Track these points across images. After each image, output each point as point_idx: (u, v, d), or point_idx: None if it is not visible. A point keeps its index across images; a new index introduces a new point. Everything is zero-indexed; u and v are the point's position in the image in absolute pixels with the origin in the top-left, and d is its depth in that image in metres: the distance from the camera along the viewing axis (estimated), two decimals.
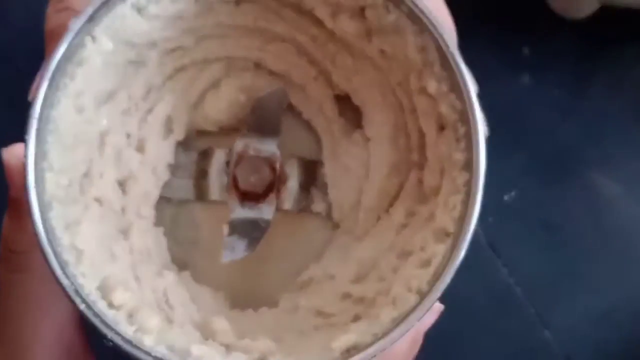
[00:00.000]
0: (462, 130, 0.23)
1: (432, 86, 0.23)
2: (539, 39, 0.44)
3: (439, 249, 0.22)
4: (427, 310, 0.21)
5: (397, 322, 0.21)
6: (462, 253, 0.21)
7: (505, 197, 0.42)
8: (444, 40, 0.22)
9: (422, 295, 0.21)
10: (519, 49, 0.45)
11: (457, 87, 0.22)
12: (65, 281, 0.20)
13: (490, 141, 0.48)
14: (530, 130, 0.43)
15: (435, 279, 0.21)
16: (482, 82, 0.49)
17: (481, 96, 0.49)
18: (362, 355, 0.21)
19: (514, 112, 0.44)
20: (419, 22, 0.22)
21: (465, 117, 0.22)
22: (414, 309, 0.21)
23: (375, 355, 0.21)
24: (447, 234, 0.22)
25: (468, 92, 0.22)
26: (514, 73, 0.45)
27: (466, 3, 0.47)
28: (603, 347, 0.40)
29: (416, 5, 0.22)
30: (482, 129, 0.22)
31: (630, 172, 0.43)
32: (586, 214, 0.42)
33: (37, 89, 0.21)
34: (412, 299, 0.22)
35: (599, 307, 0.41)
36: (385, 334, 0.21)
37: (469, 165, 0.22)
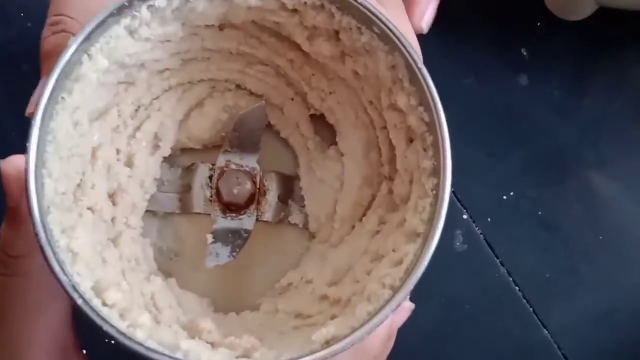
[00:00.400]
0: (429, 139, 0.25)
1: (401, 101, 0.25)
2: (537, 40, 0.45)
3: (410, 248, 0.24)
4: (400, 303, 0.22)
5: (373, 314, 0.23)
6: (431, 250, 0.23)
7: (504, 197, 0.42)
8: (412, 58, 0.24)
9: (395, 290, 0.23)
10: (518, 50, 0.45)
11: (425, 100, 0.24)
12: (63, 277, 0.22)
13: (488, 141, 0.48)
14: (529, 130, 0.43)
15: (407, 275, 0.23)
16: (481, 83, 0.49)
17: (480, 97, 0.49)
18: (341, 344, 0.22)
19: (512, 112, 0.44)
20: (390, 42, 0.24)
21: (433, 127, 0.24)
22: (387, 302, 0.23)
23: (353, 344, 0.22)
24: (418, 234, 0.24)
25: (435, 103, 0.24)
26: (513, 74, 0.45)
27: (465, 4, 0.47)
28: (602, 346, 0.40)
29: (387, 27, 0.24)
30: (447, 136, 0.24)
31: (628, 172, 0.43)
32: (585, 214, 0.42)
33: (38, 101, 0.22)
34: (386, 294, 0.23)
35: (597, 306, 0.41)
36: (361, 325, 0.22)
37: (437, 171, 0.24)
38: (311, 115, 0.30)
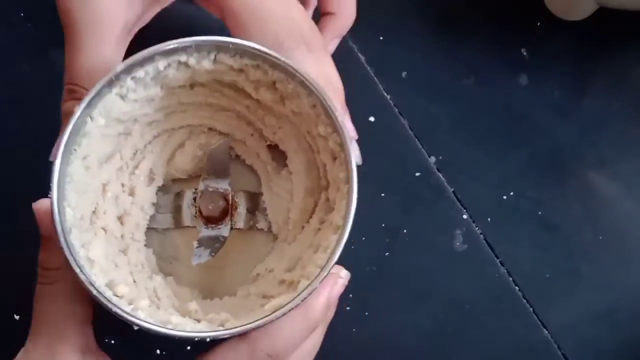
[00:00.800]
0: (342, 156, 0.34)
1: (322, 130, 0.35)
2: (537, 40, 0.45)
3: (334, 238, 0.33)
4: (324, 277, 0.31)
5: (306, 286, 0.31)
6: (345, 236, 0.32)
7: (504, 197, 0.42)
8: (324, 98, 0.34)
9: (322, 268, 0.32)
10: (518, 50, 0.45)
11: (336, 128, 0.34)
12: (82, 276, 0.30)
13: (488, 141, 0.48)
14: (529, 130, 0.44)
15: (329, 256, 0.32)
16: (481, 83, 0.49)
17: (480, 97, 0.49)
18: (283, 309, 0.31)
19: (512, 113, 0.44)
20: (307, 88, 0.34)
21: (343, 147, 0.34)
22: (316, 277, 0.31)
23: (291, 308, 0.31)
24: (339, 227, 0.33)
25: (342, 130, 0.34)
26: (513, 74, 0.45)
27: (465, 4, 0.47)
28: (602, 346, 0.40)
29: (303, 77, 0.34)
30: (354, 155, 0.33)
31: (628, 172, 0.44)
32: (585, 214, 0.43)
33: (56, 152, 0.31)
34: (316, 271, 0.32)
35: (597, 306, 0.41)
36: (298, 294, 0.31)
37: (348, 179, 0.33)
38: (268, 146, 0.40)
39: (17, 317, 0.39)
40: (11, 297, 0.40)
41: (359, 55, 0.45)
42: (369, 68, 0.45)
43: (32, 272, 0.39)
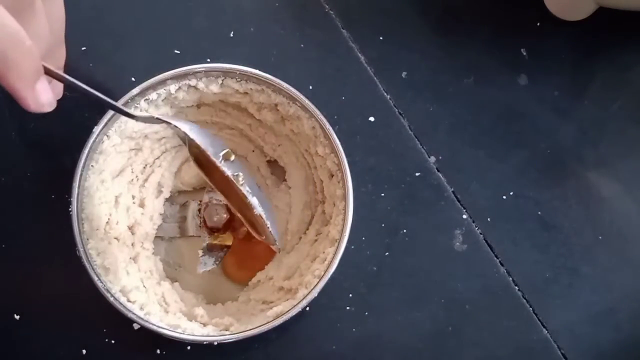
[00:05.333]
0: (339, 175, 0.38)
1: (320, 150, 0.39)
2: (537, 40, 0.45)
3: (331, 250, 0.37)
4: (322, 286, 0.36)
5: (306, 295, 0.36)
6: (342, 250, 0.36)
7: (504, 197, 0.42)
8: (323, 122, 0.38)
9: (319, 278, 0.36)
10: (518, 50, 0.45)
11: (334, 149, 0.38)
12: (99, 283, 0.34)
13: (488, 141, 0.48)
14: (529, 130, 0.44)
15: (327, 267, 0.36)
16: (481, 83, 0.49)
17: (480, 97, 0.49)
18: (284, 316, 0.35)
19: (512, 113, 0.45)
20: (308, 112, 0.38)
21: (340, 167, 0.38)
22: (315, 286, 0.36)
23: (292, 315, 0.35)
24: (335, 240, 0.37)
25: (339, 151, 0.37)
26: (513, 74, 0.45)
27: (465, 5, 0.47)
28: (601, 346, 0.40)
29: (304, 102, 0.38)
30: (348, 173, 0.37)
31: (627, 172, 0.44)
32: (584, 214, 0.43)
33: (75, 171, 0.35)
34: (314, 281, 0.36)
35: (597, 306, 0.41)
36: (298, 303, 0.35)
37: (345, 197, 0.37)
38: (268, 161, 0.44)
39: (17, 317, 0.40)
40: (11, 297, 0.40)
41: (359, 55, 0.45)
42: (369, 68, 0.45)
43: (32, 272, 0.40)
